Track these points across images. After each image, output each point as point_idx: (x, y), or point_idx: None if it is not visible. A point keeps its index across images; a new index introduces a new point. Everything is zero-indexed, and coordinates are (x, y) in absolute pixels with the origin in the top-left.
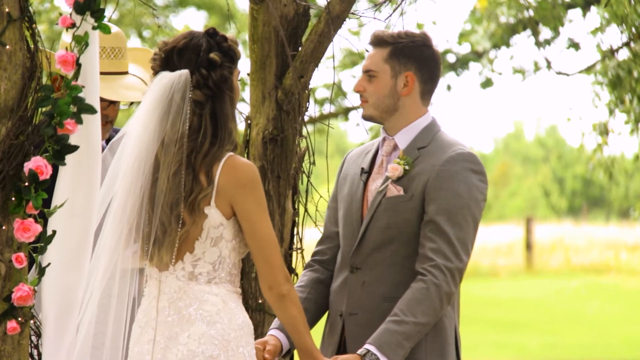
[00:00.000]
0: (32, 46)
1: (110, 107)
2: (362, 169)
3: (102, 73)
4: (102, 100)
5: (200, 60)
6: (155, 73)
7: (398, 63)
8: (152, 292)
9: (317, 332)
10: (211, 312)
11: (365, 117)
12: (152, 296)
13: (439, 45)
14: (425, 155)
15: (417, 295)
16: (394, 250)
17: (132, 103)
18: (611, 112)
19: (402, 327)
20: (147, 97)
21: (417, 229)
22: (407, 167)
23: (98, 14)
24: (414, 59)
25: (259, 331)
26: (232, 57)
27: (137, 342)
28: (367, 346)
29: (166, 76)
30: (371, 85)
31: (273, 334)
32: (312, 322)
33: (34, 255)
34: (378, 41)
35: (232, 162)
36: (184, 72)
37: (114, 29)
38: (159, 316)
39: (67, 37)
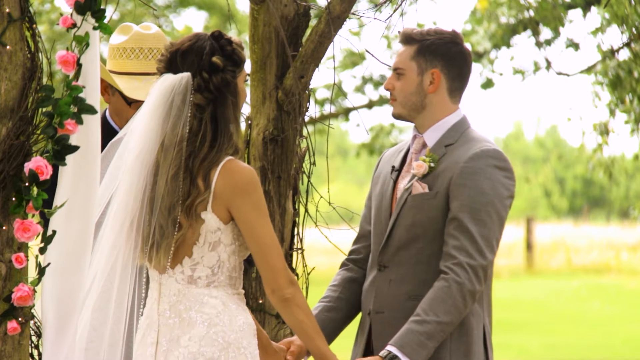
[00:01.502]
0: (32, 47)
1: None
2: (393, 167)
3: (140, 74)
4: (139, 101)
5: (202, 64)
6: (160, 75)
7: (424, 60)
8: (153, 294)
9: (353, 331)
10: (211, 315)
11: (395, 116)
12: (153, 299)
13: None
14: (451, 152)
15: (439, 294)
16: (419, 248)
17: None
18: (611, 112)
19: (424, 327)
20: (149, 99)
21: (442, 226)
22: (432, 165)
23: (99, 14)
24: (440, 56)
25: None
26: (235, 60)
27: (140, 344)
28: (388, 347)
29: (168, 79)
30: (399, 83)
31: None
32: (345, 321)
33: (35, 255)
34: (406, 39)
35: (230, 166)
36: (185, 75)
37: (154, 29)
38: (160, 319)
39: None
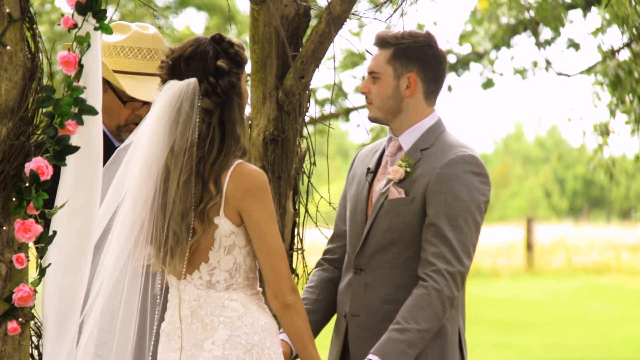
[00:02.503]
0: (32, 47)
1: (143, 108)
2: (368, 168)
3: (138, 73)
4: (136, 100)
5: (207, 69)
6: (163, 81)
7: (400, 64)
8: (173, 300)
9: (329, 332)
10: (233, 318)
11: (371, 119)
12: (174, 304)
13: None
14: (427, 157)
15: (418, 302)
16: (395, 252)
17: None
18: (612, 112)
19: (405, 335)
20: (156, 105)
21: (419, 231)
22: (408, 170)
23: (100, 15)
24: (416, 60)
25: None
26: (239, 62)
27: (164, 350)
28: (370, 356)
29: (174, 85)
30: (375, 86)
31: (283, 338)
32: (323, 323)
33: (35, 256)
34: (381, 42)
35: (241, 169)
36: (192, 81)
37: (152, 30)
38: (182, 324)
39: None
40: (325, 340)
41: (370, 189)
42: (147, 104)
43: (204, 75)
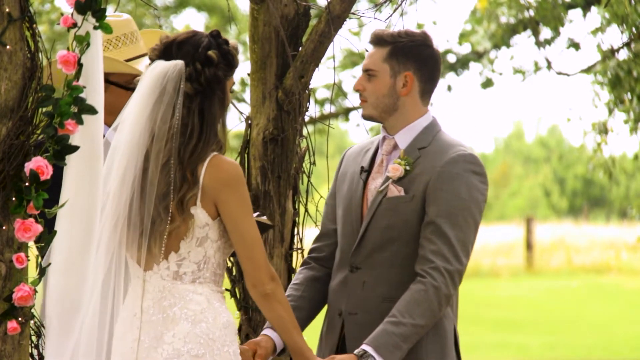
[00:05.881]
0: (32, 46)
1: None
2: (362, 167)
3: (128, 60)
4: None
5: (197, 55)
6: (152, 62)
7: (397, 62)
8: (136, 291)
9: (315, 330)
10: (196, 311)
11: (365, 117)
12: (136, 294)
13: (439, 44)
14: (426, 155)
15: (415, 297)
16: (394, 250)
17: None
18: (611, 111)
19: (399, 329)
20: (141, 84)
21: (417, 230)
22: (407, 168)
23: (99, 14)
24: (413, 59)
25: (259, 332)
26: (229, 60)
27: (120, 340)
28: (364, 347)
29: (160, 64)
30: (370, 84)
31: (266, 333)
32: (307, 320)
33: (35, 255)
34: (378, 40)
35: (216, 161)
36: (179, 63)
37: (125, 16)
38: (143, 316)
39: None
40: (310, 339)
41: (365, 187)
42: None
43: (191, 61)
